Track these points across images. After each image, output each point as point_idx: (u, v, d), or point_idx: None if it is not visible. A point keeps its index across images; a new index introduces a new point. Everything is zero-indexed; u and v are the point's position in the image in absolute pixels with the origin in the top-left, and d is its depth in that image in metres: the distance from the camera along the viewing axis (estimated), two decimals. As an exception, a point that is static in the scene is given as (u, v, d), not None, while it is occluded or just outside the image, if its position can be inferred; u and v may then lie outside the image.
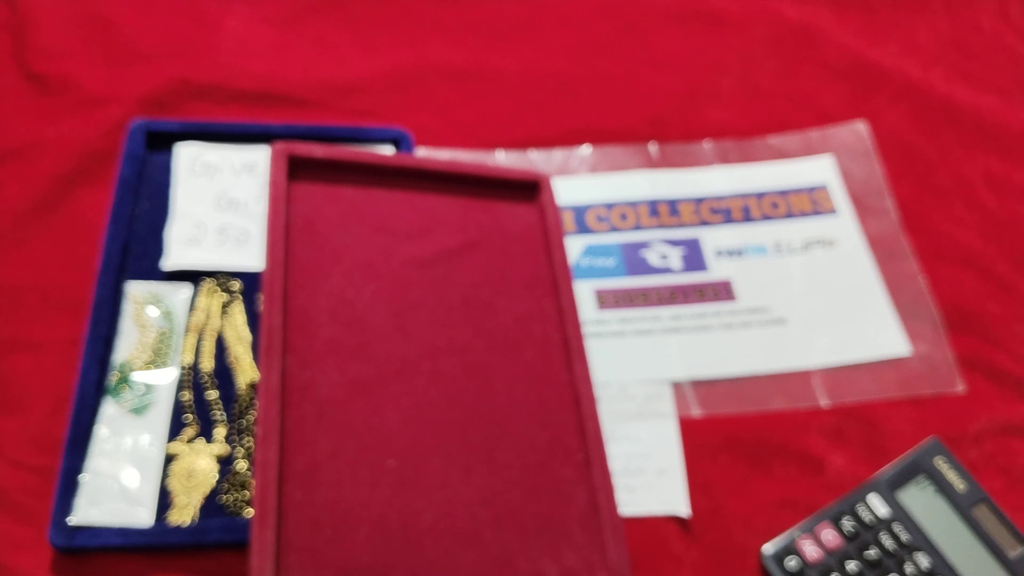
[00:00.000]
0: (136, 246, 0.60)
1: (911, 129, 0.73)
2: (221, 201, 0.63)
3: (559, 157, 0.69)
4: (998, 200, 0.69)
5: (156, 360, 0.56)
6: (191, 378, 0.56)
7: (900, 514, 0.54)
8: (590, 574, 0.49)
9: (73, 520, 0.49)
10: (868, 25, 0.79)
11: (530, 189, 0.63)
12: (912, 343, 0.61)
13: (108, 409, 0.53)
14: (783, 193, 0.69)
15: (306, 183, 0.58)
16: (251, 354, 0.57)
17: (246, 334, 0.58)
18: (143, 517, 0.50)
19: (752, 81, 0.75)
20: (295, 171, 0.58)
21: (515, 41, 0.76)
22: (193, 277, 0.59)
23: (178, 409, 0.54)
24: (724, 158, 0.70)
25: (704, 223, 0.67)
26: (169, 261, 0.59)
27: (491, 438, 0.52)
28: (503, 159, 0.69)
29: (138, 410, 0.54)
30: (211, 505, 0.51)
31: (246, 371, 0.56)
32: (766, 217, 0.68)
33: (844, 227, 0.67)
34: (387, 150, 0.66)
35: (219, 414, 0.55)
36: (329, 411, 0.49)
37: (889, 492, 0.54)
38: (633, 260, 0.65)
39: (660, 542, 0.53)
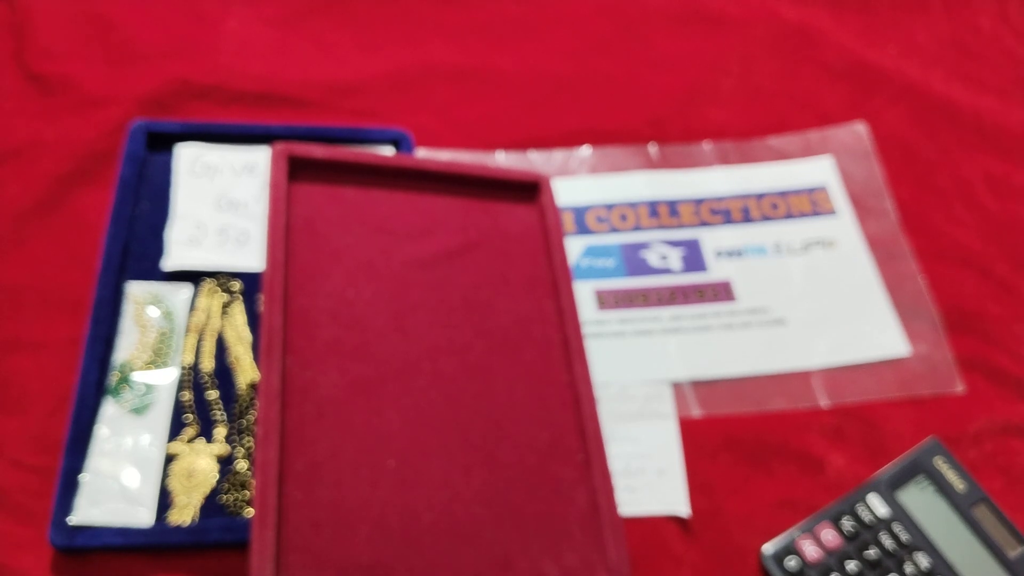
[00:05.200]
0: (136, 246, 0.60)
1: (910, 130, 0.73)
2: (221, 202, 0.63)
3: (559, 158, 0.69)
4: (997, 201, 0.69)
5: (156, 360, 0.56)
6: (191, 378, 0.56)
7: (900, 514, 0.54)
8: (590, 574, 0.49)
9: (73, 520, 0.49)
10: (867, 26, 0.79)
11: (530, 190, 0.63)
12: (912, 343, 0.61)
13: (108, 409, 0.53)
14: (783, 194, 0.69)
15: (306, 184, 0.58)
16: (251, 354, 0.57)
17: (246, 334, 0.58)
18: (143, 517, 0.50)
19: (752, 82, 0.75)
20: (295, 172, 0.58)
21: (515, 42, 0.76)
22: (193, 277, 0.59)
23: (178, 409, 0.54)
24: (724, 159, 0.70)
25: (704, 224, 0.67)
26: (169, 261, 0.59)
27: (491, 438, 0.52)
28: (503, 160, 0.69)
29: (138, 410, 0.54)
30: (211, 505, 0.51)
31: (246, 371, 0.56)
32: (766, 218, 0.68)
33: (844, 228, 0.67)
34: (387, 150, 0.66)
35: (219, 414, 0.55)
36: (329, 411, 0.49)
37: (889, 492, 0.54)
38: (633, 261, 0.65)
39: (660, 542, 0.53)
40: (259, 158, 0.65)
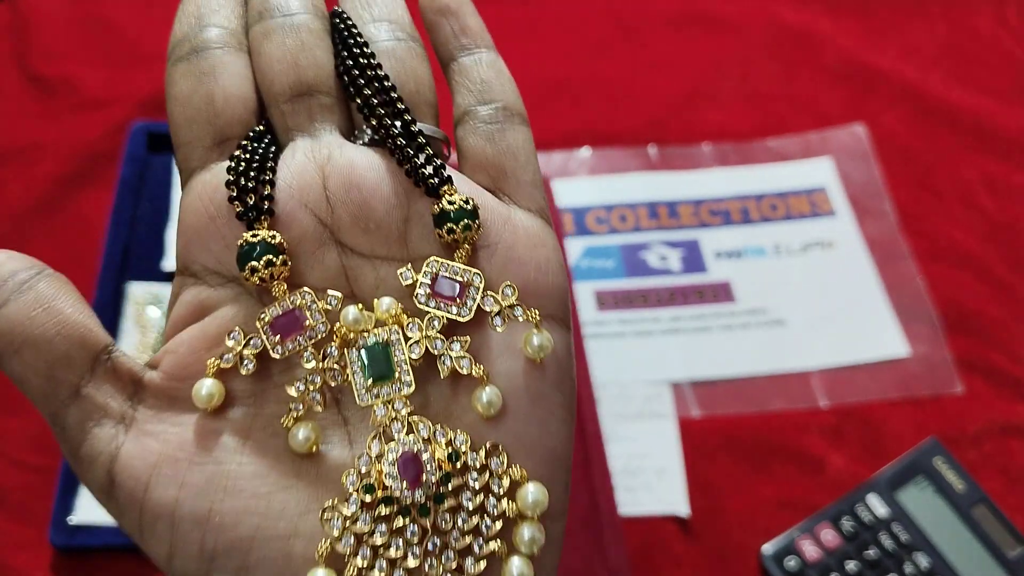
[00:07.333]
0: (137, 247, 0.60)
1: (909, 132, 0.73)
2: (222, 202, 0.63)
3: (559, 159, 0.69)
4: (996, 202, 0.69)
5: (157, 360, 0.56)
6: (191, 378, 0.56)
7: (899, 514, 0.54)
8: (590, 574, 0.49)
9: (73, 519, 0.49)
10: (866, 29, 0.80)
11: (530, 191, 0.63)
12: (911, 344, 0.61)
13: (109, 409, 0.53)
14: (782, 195, 0.69)
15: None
16: (251, 354, 0.57)
17: (246, 334, 0.58)
18: (143, 517, 0.50)
19: (751, 84, 0.75)
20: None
21: (514, 44, 0.76)
22: (194, 278, 0.59)
23: (178, 409, 0.54)
24: (723, 160, 0.71)
25: (703, 225, 0.67)
26: (170, 262, 0.60)
27: (491, 438, 0.52)
28: (503, 161, 0.69)
29: (138, 410, 0.54)
30: (211, 505, 0.51)
31: (246, 371, 0.56)
32: (765, 219, 0.68)
33: (843, 229, 0.67)
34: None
35: (219, 414, 0.55)
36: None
37: (888, 492, 0.54)
38: (632, 262, 0.65)
39: (660, 542, 0.53)
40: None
